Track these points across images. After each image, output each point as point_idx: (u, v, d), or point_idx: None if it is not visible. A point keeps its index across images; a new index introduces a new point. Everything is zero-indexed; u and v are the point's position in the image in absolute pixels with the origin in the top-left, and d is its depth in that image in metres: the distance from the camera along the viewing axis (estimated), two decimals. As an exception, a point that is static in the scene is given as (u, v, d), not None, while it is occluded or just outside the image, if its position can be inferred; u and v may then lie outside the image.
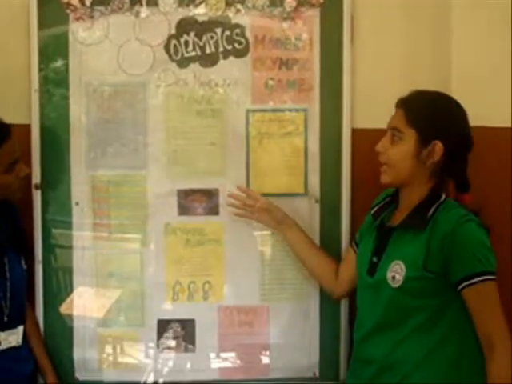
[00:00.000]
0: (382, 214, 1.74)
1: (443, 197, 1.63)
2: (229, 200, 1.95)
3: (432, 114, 1.60)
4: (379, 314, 1.64)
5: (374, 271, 1.65)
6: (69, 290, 2.00)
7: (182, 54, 1.98)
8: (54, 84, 1.96)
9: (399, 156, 1.61)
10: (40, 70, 1.94)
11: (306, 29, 1.98)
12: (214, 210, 2.01)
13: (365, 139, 1.90)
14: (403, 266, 1.57)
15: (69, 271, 2.00)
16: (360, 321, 1.74)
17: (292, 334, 2.04)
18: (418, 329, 1.59)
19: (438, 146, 1.58)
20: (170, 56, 1.97)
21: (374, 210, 1.76)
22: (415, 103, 1.62)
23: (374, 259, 1.65)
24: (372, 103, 1.98)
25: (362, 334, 1.70)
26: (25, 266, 1.88)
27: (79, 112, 1.97)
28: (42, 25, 1.94)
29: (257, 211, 1.92)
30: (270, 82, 1.99)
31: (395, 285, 1.58)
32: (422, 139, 1.58)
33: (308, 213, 2.02)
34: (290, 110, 2.00)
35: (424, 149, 1.57)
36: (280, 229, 1.93)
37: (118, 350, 2.03)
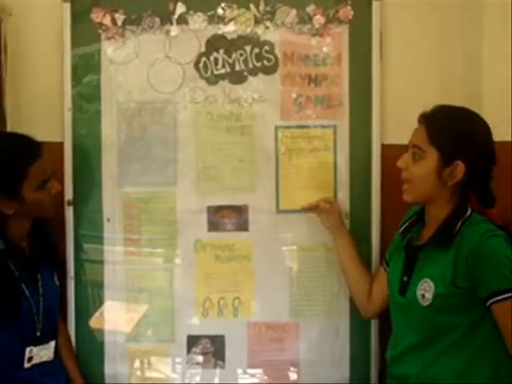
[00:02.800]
0: (409, 232, 1.72)
1: (469, 211, 1.60)
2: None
3: (454, 133, 1.56)
4: (413, 333, 1.61)
5: (404, 290, 1.63)
6: (99, 305, 2.02)
7: (212, 72, 1.99)
8: (86, 102, 1.99)
9: (420, 175, 1.58)
10: (72, 88, 1.97)
11: (335, 45, 1.97)
12: (243, 226, 2.00)
13: (394, 155, 1.82)
14: (432, 283, 1.55)
15: (100, 286, 2.01)
16: (394, 340, 1.71)
17: (322, 350, 2.02)
18: (451, 347, 1.56)
19: (460, 167, 1.55)
20: (199, 73, 1.98)
21: (402, 228, 1.74)
22: (438, 120, 1.58)
23: (405, 278, 1.63)
24: (401, 118, 1.92)
25: (396, 352, 1.68)
26: (57, 282, 1.89)
27: (110, 129, 1.99)
28: (74, 44, 1.97)
29: (319, 208, 1.92)
30: (299, 98, 1.99)
31: (425, 303, 1.56)
32: (444, 159, 1.55)
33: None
34: (318, 127, 1.99)
35: (446, 168, 1.55)
36: (331, 230, 1.92)
37: (148, 365, 2.03)
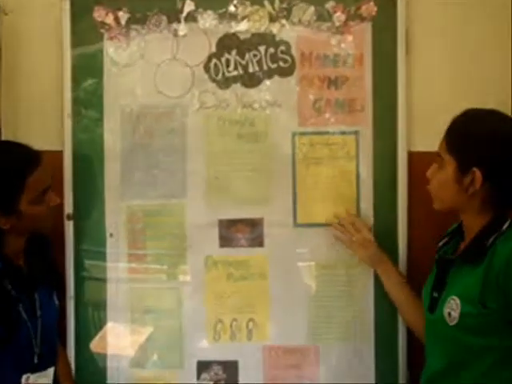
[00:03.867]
0: (445, 245, 1.62)
1: (506, 225, 1.47)
2: (335, 221, 1.84)
3: (471, 139, 1.46)
4: (442, 355, 1.51)
5: (434, 308, 1.53)
6: (101, 327, 1.89)
7: (223, 74, 1.86)
8: (88, 107, 1.86)
9: (439, 184, 1.52)
10: (73, 92, 1.85)
11: (357, 44, 1.84)
12: (258, 242, 1.87)
13: (422, 163, 1.70)
14: (458, 301, 1.45)
15: (102, 307, 1.88)
16: (427, 362, 1.59)
17: (344, 376, 1.87)
18: (487, 373, 1.43)
19: (477, 175, 1.44)
20: (210, 76, 1.86)
21: (441, 242, 1.63)
22: (457, 126, 1.50)
23: (435, 294, 1.54)
24: (430, 123, 1.81)
25: (427, 375, 1.57)
26: (57, 302, 1.75)
27: (114, 137, 1.87)
28: (75, 45, 1.84)
29: (354, 243, 1.82)
30: (318, 102, 1.86)
31: (452, 322, 1.46)
32: (461, 167, 1.46)
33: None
34: (339, 133, 1.86)
35: (464, 177, 1.45)
36: (375, 267, 1.82)
37: (154, 393, 1.89)
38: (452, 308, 1.45)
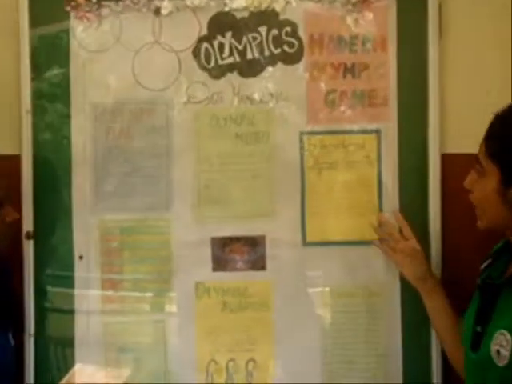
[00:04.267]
0: (489, 267, 1.39)
1: None
2: (376, 225, 1.60)
3: None
4: None
5: (477, 345, 1.32)
6: (68, 369, 1.62)
7: (216, 61, 1.58)
8: (51, 102, 1.59)
9: (481, 195, 1.34)
10: (32, 82, 1.58)
11: (378, 24, 1.57)
12: (259, 264, 1.60)
13: (458, 168, 1.47)
14: (509, 336, 1.25)
15: (69, 345, 1.61)
16: None
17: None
18: None
19: None
20: (199, 64, 1.59)
21: (484, 264, 1.41)
22: (499, 127, 1.30)
23: (478, 328, 1.33)
24: (467, 120, 1.56)
25: None
26: (12, 342, 1.52)
27: (83, 138, 1.60)
28: (34, 26, 1.57)
29: (398, 251, 1.56)
30: (331, 94, 1.59)
31: (501, 362, 1.26)
32: (505, 177, 1.28)
33: (385, 266, 1.59)
34: (358, 132, 1.60)
35: (509, 188, 1.28)
36: (418, 285, 1.55)
37: None
38: (501, 344, 1.26)
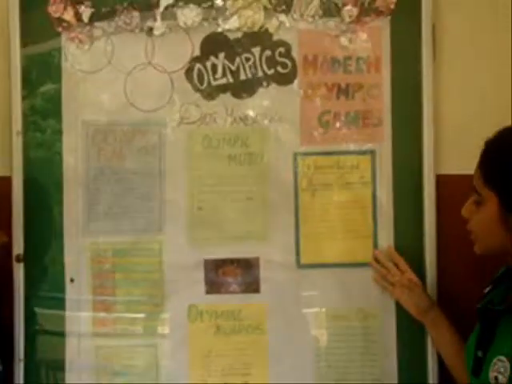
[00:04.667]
0: (490, 293, 1.34)
1: None
2: (372, 261, 1.56)
3: None
4: None
5: (479, 370, 1.28)
6: None
7: (209, 82, 1.56)
8: (43, 122, 1.55)
9: (481, 225, 1.29)
10: (23, 101, 1.54)
11: (373, 44, 1.55)
12: (253, 287, 1.57)
13: (453, 189, 1.49)
14: (508, 363, 1.21)
15: (59, 369, 1.56)
16: None
17: None
18: None
19: None
20: (192, 85, 1.56)
21: (486, 290, 1.36)
22: (493, 152, 1.26)
23: (479, 354, 1.29)
24: (462, 141, 1.54)
25: None
26: (0, 367, 1.47)
27: (75, 158, 1.56)
28: (25, 46, 1.54)
29: (396, 285, 1.53)
30: (325, 115, 1.56)
31: None
32: (504, 203, 1.23)
33: (380, 288, 1.56)
34: (352, 153, 1.57)
35: (510, 215, 1.23)
36: (420, 317, 1.52)
37: None
38: (499, 371, 1.22)
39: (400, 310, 1.53)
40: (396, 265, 1.53)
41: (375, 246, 1.55)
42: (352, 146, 1.56)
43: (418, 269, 1.53)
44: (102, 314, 1.56)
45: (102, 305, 1.56)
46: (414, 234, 1.55)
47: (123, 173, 1.56)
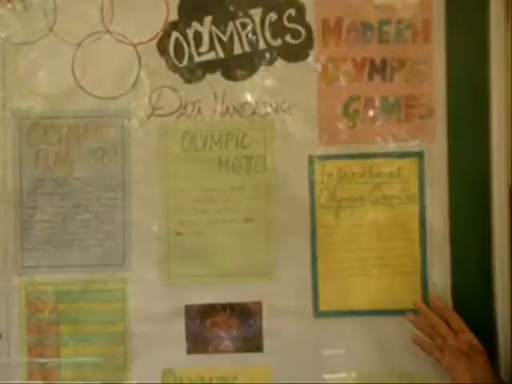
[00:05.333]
0: None
1: None
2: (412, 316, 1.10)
3: None
4: None
5: None
6: None
7: (191, 58, 1.13)
8: None
9: None
10: None
11: (420, 3, 1.12)
12: (253, 343, 1.14)
13: None
14: None
15: None
16: None
17: None
18: None
19: None
20: (168, 62, 1.13)
21: None
22: None
23: None
24: None
25: None
26: None
27: (2, 167, 1.13)
28: None
29: (448, 351, 1.06)
30: (353, 103, 1.13)
31: None
32: None
33: None
34: (391, 155, 1.14)
35: None
36: None
37: None
38: None
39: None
40: (448, 319, 1.08)
41: (423, 286, 1.12)
42: (391, 146, 1.13)
43: (483, 325, 1.09)
44: (42, 381, 1.12)
45: (40, 370, 1.12)
46: (478, 271, 1.11)
47: (71, 185, 1.13)
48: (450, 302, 1.11)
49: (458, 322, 1.07)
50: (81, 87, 1.12)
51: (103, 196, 1.13)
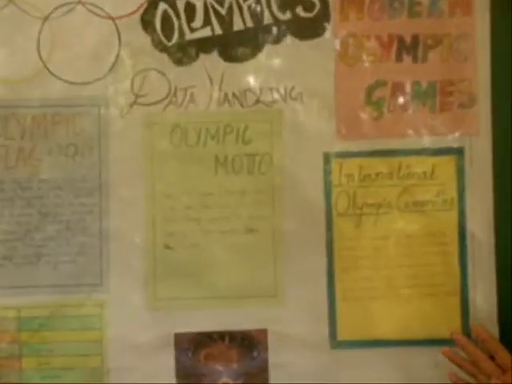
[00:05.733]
0: None
1: None
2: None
3: None
4: None
5: None
6: None
7: (182, 35, 0.95)
8: None
9: None
10: None
11: None
12: (257, 380, 0.95)
13: None
14: None
15: None
16: None
17: None
18: None
19: None
20: (154, 39, 0.95)
21: None
22: None
23: None
24: None
25: None
26: None
27: None
28: None
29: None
30: (378, 89, 0.95)
31: None
32: None
33: None
34: (424, 152, 0.96)
35: None
36: None
37: None
38: None
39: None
40: (494, 353, 0.89)
41: (463, 310, 0.94)
42: (424, 141, 0.95)
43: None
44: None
45: (-1, 413, 0.94)
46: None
47: (36, 188, 0.94)
48: (496, 330, 0.93)
49: (505, 356, 0.88)
50: (48, 70, 0.93)
51: (75, 202, 0.94)
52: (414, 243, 0.94)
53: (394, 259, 0.94)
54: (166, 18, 0.93)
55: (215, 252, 0.94)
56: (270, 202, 0.94)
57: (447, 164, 0.94)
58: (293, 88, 0.94)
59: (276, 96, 0.94)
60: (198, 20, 0.94)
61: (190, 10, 0.93)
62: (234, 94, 0.94)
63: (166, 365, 0.94)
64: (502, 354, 0.87)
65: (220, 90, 0.94)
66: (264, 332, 0.94)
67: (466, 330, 0.93)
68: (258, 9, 0.93)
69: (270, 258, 0.94)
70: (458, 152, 0.94)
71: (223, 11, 0.94)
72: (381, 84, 0.94)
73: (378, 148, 0.94)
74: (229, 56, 0.94)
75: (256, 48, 0.94)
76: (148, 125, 0.94)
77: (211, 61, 0.94)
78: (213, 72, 0.94)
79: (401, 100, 0.94)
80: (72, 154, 0.94)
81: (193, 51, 0.94)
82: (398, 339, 0.94)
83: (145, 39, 0.93)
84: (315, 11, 0.93)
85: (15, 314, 0.93)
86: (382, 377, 0.94)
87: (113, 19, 0.93)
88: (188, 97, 0.94)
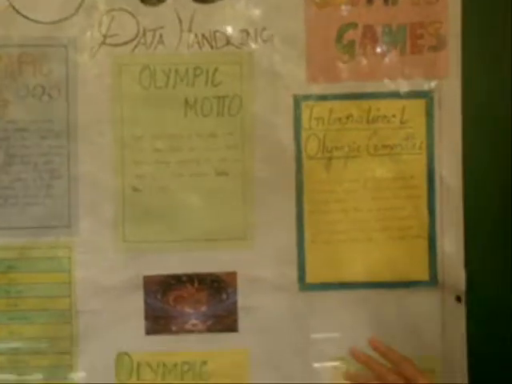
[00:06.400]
0: None
1: None
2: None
3: None
4: None
5: None
6: None
7: None
8: None
9: None
10: None
11: None
12: (226, 323, 0.95)
13: None
14: None
15: None
16: None
17: None
18: None
19: None
20: None
21: None
22: None
23: None
24: None
25: None
26: None
27: None
28: None
29: None
30: (349, 31, 0.94)
31: None
32: None
33: (438, 322, 0.96)
34: (393, 95, 0.95)
35: None
36: None
37: None
38: None
39: (474, 354, 0.93)
40: (394, 363, 0.86)
41: (431, 254, 0.94)
42: (394, 84, 0.94)
43: (503, 310, 0.92)
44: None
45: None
46: (499, 238, 0.94)
47: (2, 130, 0.92)
48: (463, 276, 0.93)
49: (409, 366, 0.83)
50: (14, 8, 0.91)
51: (43, 144, 0.93)
52: (383, 187, 0.94)
53: (364, 202, 0.94)
54: (134, -44, 0.92)
55: (185, 195, 0.93)
56: (240, 145, 0.94)
57: (417, 107, 0.93)
58: (263, 29, 0.92)
59: (247, 38, 0.93)
60: (168, -42, 0.93)
61: None
62: (203, 36, 0.92)
63: (134, 307, 0.93)
64: (404, 364, 0.84)
65: (190, 31, 0.92)
66: (233, 275, 0.94)
67: (434, 272, 0.94)
68: None
69: (239, 200, 0.94)
70: (428, 95, 0.93)
71: (193, -51, 0.92)
72: (351, 27, 0.92)
73: (348, 91, 0.93)
74: (199, -3, 0.93)
75: (226, -12, 0.93)
76: (116, 66, 0.92)
77: (181, 1, 0.92)
78: (182, 13, 0.92)
79: (372, 43, 0.93)
80: (39, 96, 0.92)
81: (163, -9, 0.93)
82: (367, 282, 0.94)
83: (112, -23, 0.92)
84: (286, -50, 0.92)
85: (-18, 256, 0.93)
86: (349, 319, 0.94)
87: (80, -43, 0.92)
88: (157, 38, 0.92)
